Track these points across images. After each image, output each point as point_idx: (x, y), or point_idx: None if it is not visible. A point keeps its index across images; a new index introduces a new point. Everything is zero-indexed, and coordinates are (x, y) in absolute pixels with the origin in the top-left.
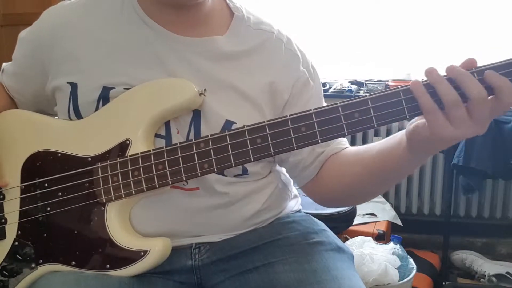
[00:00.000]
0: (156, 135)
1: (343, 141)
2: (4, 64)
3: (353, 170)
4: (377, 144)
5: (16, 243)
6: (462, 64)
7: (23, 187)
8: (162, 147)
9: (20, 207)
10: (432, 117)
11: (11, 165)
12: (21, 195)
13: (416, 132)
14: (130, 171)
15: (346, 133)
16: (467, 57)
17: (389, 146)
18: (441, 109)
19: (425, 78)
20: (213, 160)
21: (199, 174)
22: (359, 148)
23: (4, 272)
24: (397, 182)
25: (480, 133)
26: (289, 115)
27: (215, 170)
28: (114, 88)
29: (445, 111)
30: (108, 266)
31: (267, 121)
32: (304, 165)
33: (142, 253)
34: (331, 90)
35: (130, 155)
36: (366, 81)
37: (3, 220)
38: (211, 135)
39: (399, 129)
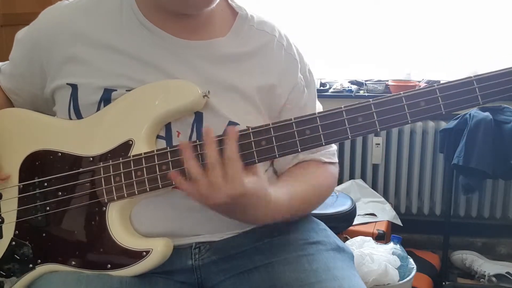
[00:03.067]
0: (157, 136)
1: (329, 154)
2: (0, 64)
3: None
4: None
5: (14, 242)
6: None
7: (21, 186)
8: (166, 148)
9: (18, 207)
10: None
11: (9, 164)
12: (19, 194)
13: None
14: (133, 171)
15: (349, 137)
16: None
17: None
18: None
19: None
20: None
21: None
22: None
23: (1, 272)
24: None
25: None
26: (294, 118)
27: None
28: (116, 90)
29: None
30: (109, 266)
31: (272, 123)
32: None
33: (144, 253)
34: (331, 90)
35: (133, 155)
36: (366, 81)
37: None
38: (215, 137)
39: (399, 133)
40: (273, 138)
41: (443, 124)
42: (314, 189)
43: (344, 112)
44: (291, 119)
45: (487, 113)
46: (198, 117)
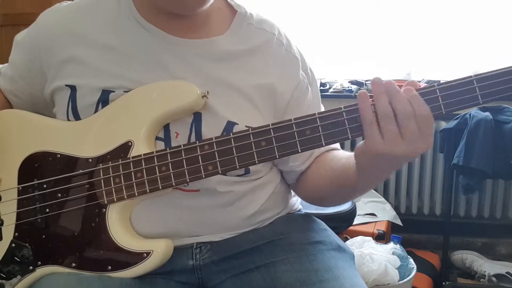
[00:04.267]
0: (155, 138)
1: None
2: (0, 66)
3: (325, 175)
4: (344, 158)
5: (13, 244)
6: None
7: (20, 188)
8: (166, 149)
9: (18, 208)
10: (369, 131)
11: (8, 166)
12: (18, 196)
13: (358, 152)
14: (132, 173)
15: (350, 137)
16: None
17: (347, 165)
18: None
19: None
20: (218, 162)
21: (203, 176)
22: (335, 155)
23: (1, 274)
24: (357, 195)
25: (410, 154)
26: (294, 119)
27: (220, 172)
28: (114, 91)
29: (379, 124)
30: (109, 267)
31: (272, 124)
32: (297, 168)
33: (145, 255)
34: (331, 90)
35: (133, 157)
36: (366, 81)
37: None
38: (215, 138)
39: None
40: (273, 138)
41: (443, 124)
42: None
43: (344, 112)
44: (291, 120)
45: (487, 113)
46: (197, 117)
